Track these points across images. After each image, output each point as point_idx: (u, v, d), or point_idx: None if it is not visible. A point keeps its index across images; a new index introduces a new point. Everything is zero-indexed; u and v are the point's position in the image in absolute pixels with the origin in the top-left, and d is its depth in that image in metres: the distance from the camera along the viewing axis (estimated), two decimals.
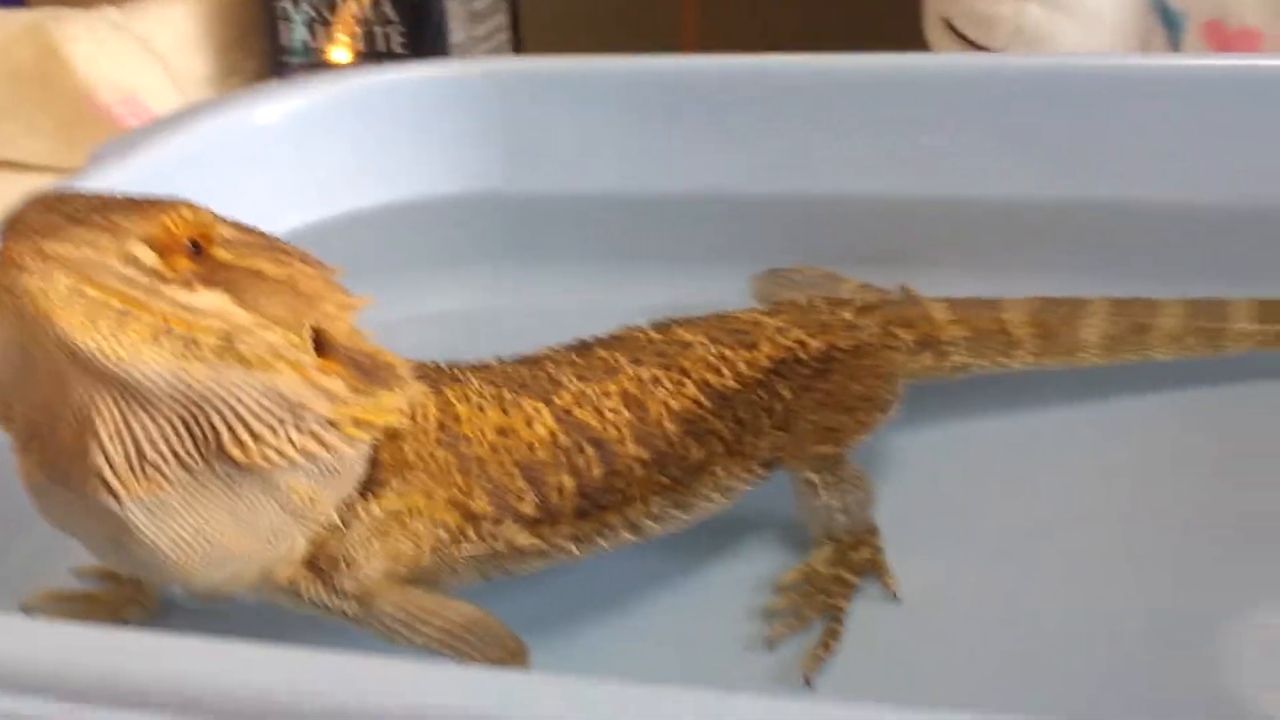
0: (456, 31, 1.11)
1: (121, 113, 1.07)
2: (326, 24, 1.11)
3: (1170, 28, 0.93)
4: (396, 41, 1.10)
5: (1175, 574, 0.60)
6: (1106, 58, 0.87)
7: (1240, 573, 0.60)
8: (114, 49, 1.07)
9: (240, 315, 0.47)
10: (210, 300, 0.47)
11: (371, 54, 1.10)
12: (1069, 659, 0.56)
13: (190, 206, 0.47)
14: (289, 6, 1.11)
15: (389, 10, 1.09)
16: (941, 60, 0.88)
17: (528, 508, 0.56)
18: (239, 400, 0.47)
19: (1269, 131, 0.75)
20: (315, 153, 0.80)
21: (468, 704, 0.39)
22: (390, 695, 0.40)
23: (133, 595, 0.61)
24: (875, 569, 0.60)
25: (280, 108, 0.80)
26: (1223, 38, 0.90)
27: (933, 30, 1.01)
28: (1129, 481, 0.66)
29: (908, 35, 1.07)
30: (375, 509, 0.53)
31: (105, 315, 0.45)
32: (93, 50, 1.06)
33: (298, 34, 1.12)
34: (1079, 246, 0.78)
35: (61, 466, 0.48)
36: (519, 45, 1.18)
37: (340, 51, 1.11)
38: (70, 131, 1.09)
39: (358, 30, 1.11)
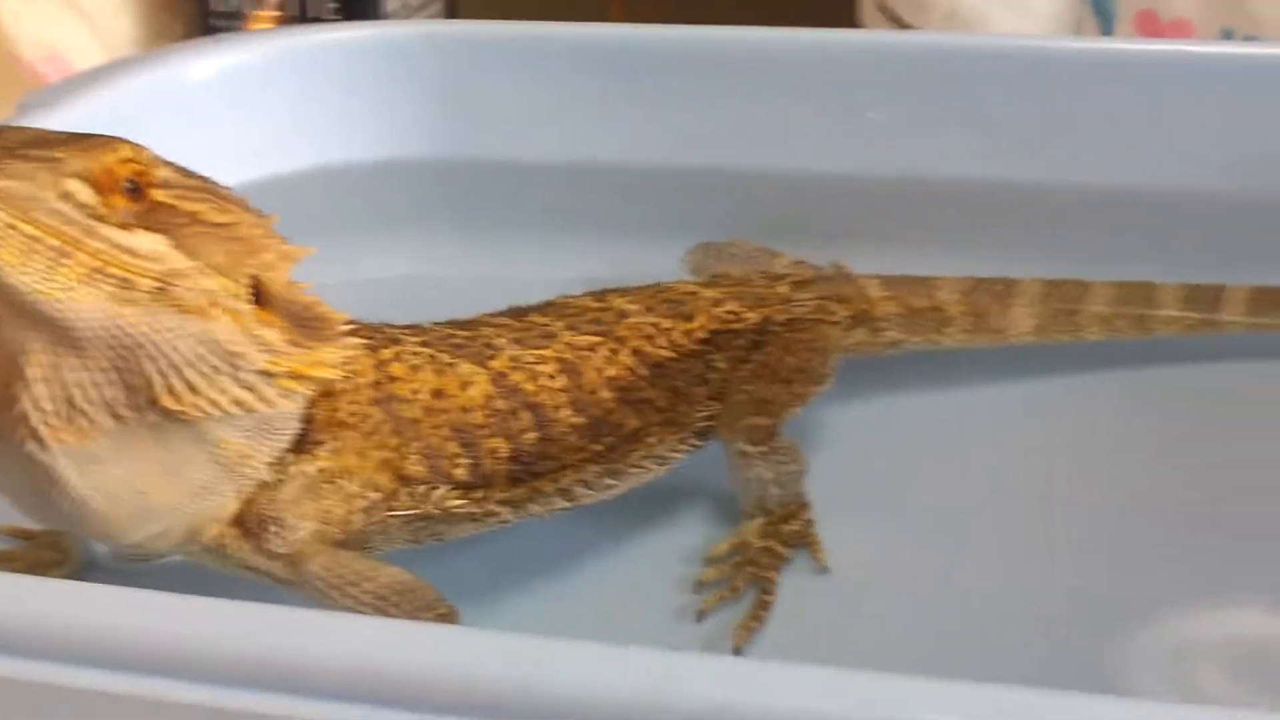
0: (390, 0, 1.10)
1: (46, 70, 1.05)
2: None
3: (1102, 17, 0.94)
4: (329, 8, 1.09)
5: (1105, 552, 0.61)
6: (1046, 40, 0.88)
7: (1169, 553, 0.61)
8: (40, 6, 1.05)
9: (178, 259, 0.47)
10: (147, 242, 0.46)
11: (304, 19, 1.09)
12: (997, 634, 0.56)
13: (130, 145, 0.46)
14: None
15: None
16: (882, 38, 0.88)
17: (461, 471, 0.55)
18: (173, 347, 0.46)
19: (1203, 118, 0.76)
20: (249, 112, 0.79)
21: (408, 658, 0.38)
22: (323, 648, 0.39)
23: (52, 555, 0.59)
24: (806, 541, 0.60)
25: (214, 64, 0.78)
26: (1155, 28, 0.91)
27: (866, 11, 1.02)
28: (1060, 460, 0.66)
29: (834, 15, 1.07)
30: (307, 468, 0.52)
31: (39, 252, 0.44)
32: (18, 6, 1.04)
33: None
34: (1012, 227, 0.78)
35: None
36: (454, 14, 1.17)
37: (268, 17, 1.10)
38: None
39: None
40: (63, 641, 0.40)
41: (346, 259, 0.78)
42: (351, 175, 0.83)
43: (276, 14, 1.10)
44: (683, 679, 0.38)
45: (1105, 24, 0.93)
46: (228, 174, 0.55)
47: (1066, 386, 0.71)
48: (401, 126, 0.83)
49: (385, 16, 1.09)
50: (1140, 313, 0.70)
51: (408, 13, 1.12)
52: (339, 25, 0.87)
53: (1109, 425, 0.69)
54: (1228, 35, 0.90)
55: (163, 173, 0.47)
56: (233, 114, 0.79)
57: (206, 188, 0.49)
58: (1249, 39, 0.90)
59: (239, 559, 0.52)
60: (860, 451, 0.66)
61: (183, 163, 0.50)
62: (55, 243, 0.44)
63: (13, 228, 0.43)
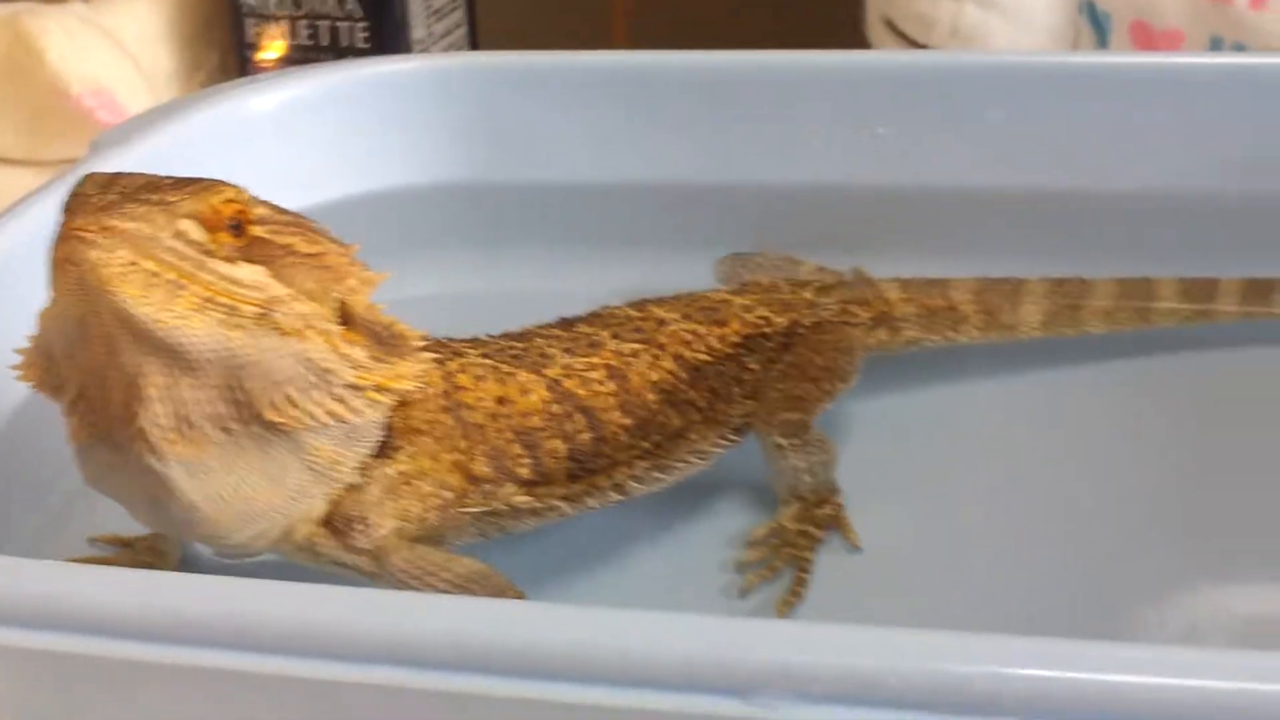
0: (417, 28, 1.15)
1: (92, 105, 1.09)
2: (292, 20, 1.14)
3: (1098, 29, 0.99)
4: (360, 37, 1.14)
5: (1111, 528, 0.66)
6: (1043, 55, 0.93)
7: (1171, 528, 0.66)
8: (85, 43, 1.10)
9: (276, 288, 0.52)
10: (250, 274, 0.51)
11: (335, 49, 1.14)
12: (1011, 604, 0.61)
13: (233, 187, 0.51)
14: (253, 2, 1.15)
15: (353, 7, 1.13)
16: (888, 57, 0.93)
17: (524, 470, 0.61)
18: (275, 366, 0.52)
19: (1192, 124, 0.81)
20: (302, 142, 0.84)
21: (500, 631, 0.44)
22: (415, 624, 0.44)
23: (148, 560, 0.65)
24: (838, 524, 0.66)
25: (271, 99, 0.83)
26: (1149, 38, 0.96)
27: (874, 29, 1.07)
28: (1067, 444, 0.72)
29: (840, 29, 1.13)
30: (388, 471, 0.57)
31: (159, 286, 0.49)
32: (65, 43, 1.08)
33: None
34: (1013, 230, 0.84)
35: (109, 428, 0.52)
36: (476, 42, 1.23)
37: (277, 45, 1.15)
38: (40, 124, 1.11)
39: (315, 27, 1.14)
40: (180, 625, 0.45)
41: (395, 279, 0.83)
42: (396, 200, 0.88)
43: (284, 44, 1.15)
44: (733, 640, 0.43)
45: (1101, 35, 0.98)
46: (283, 202, 0.60)
47: (1072, 377, 0.76)
48: (442, 152, 0.88)
49: (412, 45, 1.14)
50: (1140, 306, 0.76)
51: (433, 40, 1.18)
52: (385, 59, 0.92)
53: (1112, 411, 0.74)
54: (1217, 43, 0.95)
55: (260, 210, 0.52)
56: (287, 145, 0.84)
57: (298, 222, 0.54)
58: (1237, 46, 0.95)
59: (328, 555, 0.57)
60: (885, 441, 0.72)
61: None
62: (172, 277, 0.49)
63: (135, 265, 0.48)
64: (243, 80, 0.86)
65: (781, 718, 0.41)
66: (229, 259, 0.51)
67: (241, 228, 0.51)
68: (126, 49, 1.13)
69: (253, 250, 0.52)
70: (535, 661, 0.42)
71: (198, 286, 0.50)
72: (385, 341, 0.56)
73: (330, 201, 0.86)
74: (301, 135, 0.85)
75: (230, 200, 0.51)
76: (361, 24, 1.14)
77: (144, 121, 0.80)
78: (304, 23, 1.15)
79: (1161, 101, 0.82)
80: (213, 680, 0.45)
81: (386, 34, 1.14)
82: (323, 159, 0.86)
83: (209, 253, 0.50)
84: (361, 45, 1.14)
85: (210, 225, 0.50)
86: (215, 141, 0.81)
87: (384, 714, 0.45)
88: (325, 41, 1.15)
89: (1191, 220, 0.82)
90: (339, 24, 1.14)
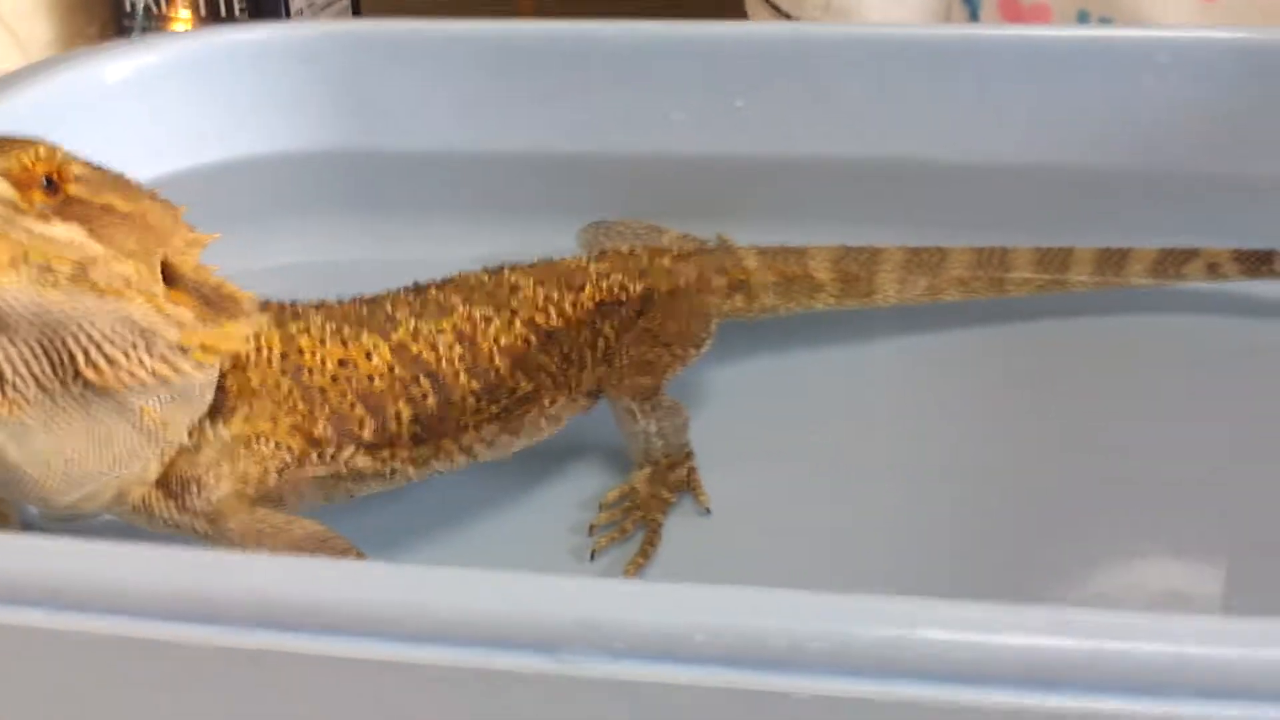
0: None
1: None
2: None
3: (969, 3, 0.99)
4: (238, 6, 1.13)
5: (960, 490, 0.66)
6: (901, 27, 0.94)
7: (1022, 500, 0.67)
8: None
9: (94, 247, 0.51)
10: (65, 232, 0.50)
11: (214, 18, 1.13)
12: (857, 562, 0.62)
13: (45, 144, 0.50)
14: None
15: None
16: (753, 28, 0.94)
17: (367, 434, 0.60)
18: (93, 326, 0.51)
19: (1049, 97, 0.82)
20: (163, 109, 0.83)
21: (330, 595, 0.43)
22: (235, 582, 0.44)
23: None
24: (690, 487, 0.66)
25: (129, 65, 0.82)
26: (1017, 11, 0.97)
27: (752, 3, 1.07)
28: (921, 408, 0.72)
29: (721, 5, 1.13)
30: (224, 433, 0.57)
31: None
32: None
33: None
34: (876, 200, 0.84)
35: None
36: (358, 10, 1.22)
37: (182, 15, 1.14)
38: None
39: None
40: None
41: (261, 246, 0.82)
42: (261, 167, 0.88)
43: (191, 15, 1.14)
44: (537, 596, 0.42)
45: (972, 10, 0.99)
46: (145, 168, 0.59)
47: (928, 345, 0.76)
48: (307, 120, 0.87)
49: (291, 14, 1.13)
50: (995, 275, 0.76)
51: (314, 11, 1.17)
52: (245, 26, 0.91)
53: (966, 379, 0.74)
54: (1084, 17, 0.96)
55: (76, 168, 0.51)
56: (148, 112, 0.83)
57: (116, 181, 0.53)
58: (1104, 20, 0.96)
59: (164, 518, 0.56)
60: (740, 406, 0.72)
61: (102, 159, 0.54)
62: None
63: None
64: (101, 46, 0.84)
65: (588, 674, 0.41)
66: (43, 217, 0.50)
67: (57, 186, 0.50)
68: (2, 19, 1.12)
69: (69, 209, 0.51)
70: (339, 619, 0.42)
71: (8, 244, 0.49)
72: (214, 303, 0.55)
73: (199, 167, 0.86)
74: (169, 100, 0.84)
75: (42, 158, 0.50)
76: None
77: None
78: None
79: (1021, 74, 0.83)
80: (33, 640, 0.44)
81: (265, 3, 1.13)
82: (191, 125, 0.85)
83: (20, 210, 0.49)
84: (240, 16, 1.13)
85: (21, 183, 0.49)
86: (73, 107, 0.80)
87: (191, 673, 0.44)
88: (203, 10, 1.13)
89: (1050, 192, 0.83)
90: None
